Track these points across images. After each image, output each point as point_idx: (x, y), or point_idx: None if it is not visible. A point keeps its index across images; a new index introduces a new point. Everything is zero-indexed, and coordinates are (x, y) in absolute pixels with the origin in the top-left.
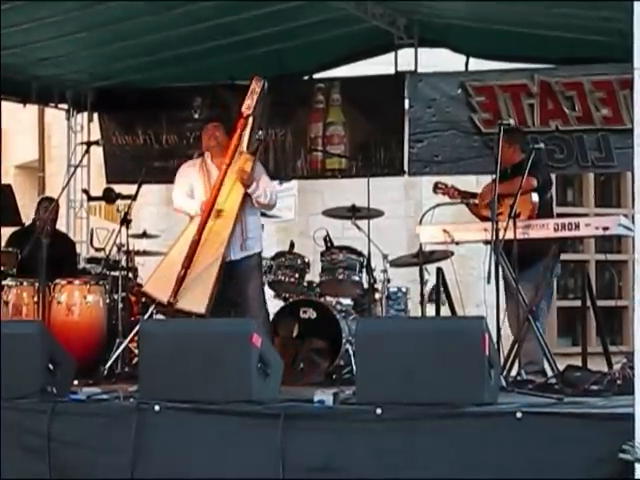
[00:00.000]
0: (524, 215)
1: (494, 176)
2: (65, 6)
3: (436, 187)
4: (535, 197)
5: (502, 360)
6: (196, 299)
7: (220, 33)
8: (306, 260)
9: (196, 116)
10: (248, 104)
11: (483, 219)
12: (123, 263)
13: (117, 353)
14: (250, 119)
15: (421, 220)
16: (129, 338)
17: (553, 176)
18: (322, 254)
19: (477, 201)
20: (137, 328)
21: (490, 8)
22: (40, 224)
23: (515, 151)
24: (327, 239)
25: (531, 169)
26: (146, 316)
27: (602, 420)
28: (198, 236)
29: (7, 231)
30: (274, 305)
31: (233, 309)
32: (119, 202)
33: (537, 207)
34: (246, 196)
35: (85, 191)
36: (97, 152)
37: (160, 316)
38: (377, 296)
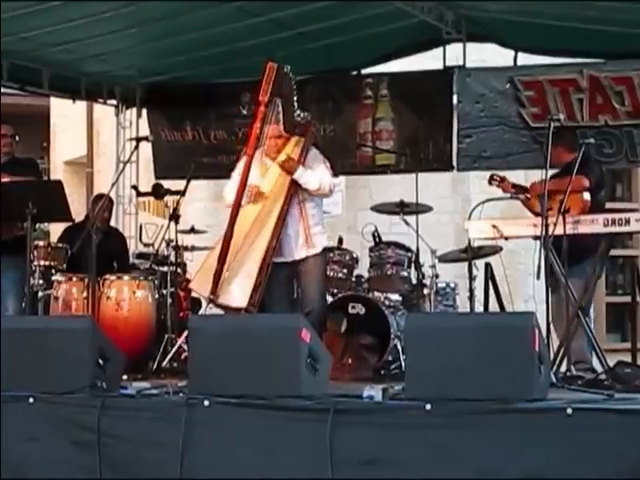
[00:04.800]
0: (574, 212)
1: (546, 172)
2: (115, 3)
3: (491, 179)
4: (587, 196)
5: (551, 356)
6: (236, 293)
7: (270, 29)
8: (354, 255)
9: (244, 112)
10: (263, 89)
11: (536, 214)
12: (172, 258)
13: (168, 349)
14: (274, 104)
15: (470, 215)
16: (182, 337)
17: None
18: (370, 249)
19: (529, 195)
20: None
21: (538, 2)
22: (91, 220)
23: (561, 152)
24: (375, 234)
25: (584, 168)
26: (200, 312)
27: None
28: (230, 230)
29: (57, 227)
30: None
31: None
32: (168, 198)
33: (588, 206)
34: (297, 185)
35: (134, 187)
36: (145, 148)
37: (214, 310)
38: (425, 292)
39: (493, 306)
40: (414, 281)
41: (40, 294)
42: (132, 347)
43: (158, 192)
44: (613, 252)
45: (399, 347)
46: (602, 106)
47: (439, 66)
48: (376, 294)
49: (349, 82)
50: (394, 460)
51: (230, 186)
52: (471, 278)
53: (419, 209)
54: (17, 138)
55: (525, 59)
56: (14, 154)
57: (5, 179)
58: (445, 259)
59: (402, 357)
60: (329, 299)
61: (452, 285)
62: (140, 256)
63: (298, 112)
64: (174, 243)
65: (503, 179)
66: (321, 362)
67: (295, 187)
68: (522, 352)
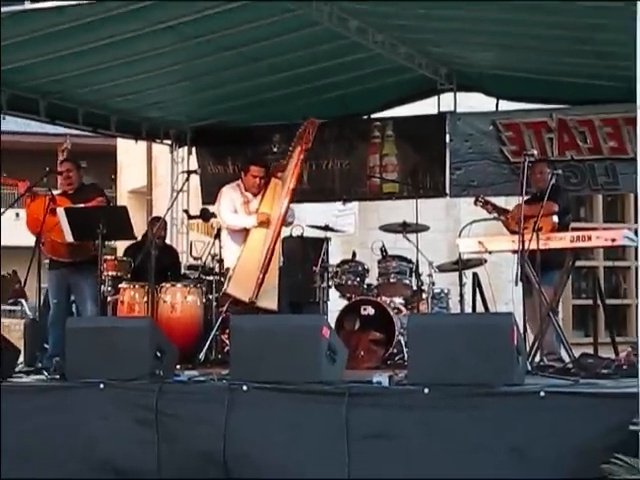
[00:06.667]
0: (545, 230)
1: (522, 198)
2: (169, 59)
3: (477, 200)
4: (555, 219)
5: (527, 348)
6: (271, 299)
7: (295, 81)
8: (365, 267)
9: (275, 149)
10: (307, 139)
11: (512, 232)
12: (216, 269)
13: (213, 344)
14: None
15: (460, 234)
16: (215, 328)
17: None
18: (379, 262)
19: (509, 215)
20: (219, 321)
21: (515, 59)
22: (150, 238)
23: (544, 166)
24: (383, 249)
25: (555, 196)
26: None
27: (612, 398)
28: (273, 245)
29: (122, 244)
30: (339, 304)
31: None
32: (213, 220)
33: (556, 228)
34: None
35: (186, 211)
36: (194, 179)
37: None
38: (424, 296)
39: (479, 308)
40: (414, 287)
41: (109, 299)
42: (184, 342)
43: (205, 215)
44: (578, 263)
45: (402, 342)
46: (568, 143)
47: (434, 111)
48: (383, 298)
49: (360, 125)
50: (398, 435)
51: (229, 210)
52: (461, 285)
53: (419, 228)
54: (84, 164)
55: (505, 105)
56: (82, 182)
57: (80, 204)
58: (440, 269)
59: (405, 350)
60: (345, 302)
61: (445, 291)
62: (190, 268)
63: None
64: (218, 257)
65: (487, 202)
66: (338, 354)
67: None
68: (503, 345)
